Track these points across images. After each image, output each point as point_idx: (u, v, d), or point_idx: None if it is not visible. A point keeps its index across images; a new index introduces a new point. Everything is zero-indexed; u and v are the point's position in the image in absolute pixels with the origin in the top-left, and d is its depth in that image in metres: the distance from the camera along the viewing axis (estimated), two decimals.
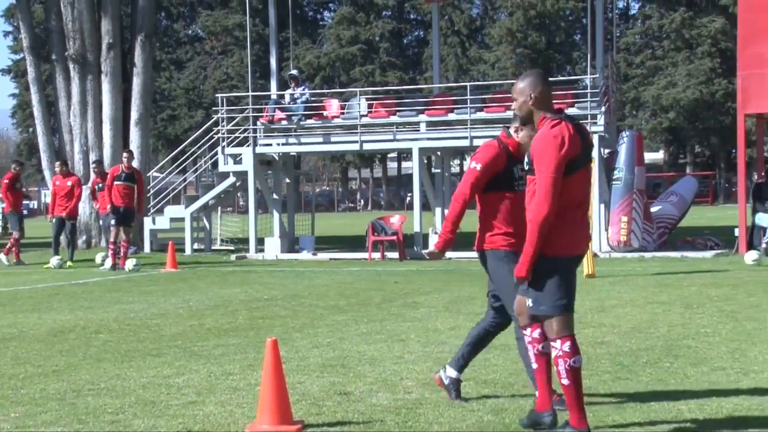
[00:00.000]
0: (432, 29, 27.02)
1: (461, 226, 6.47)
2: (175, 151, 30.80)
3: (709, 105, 63.21)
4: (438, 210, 22.52)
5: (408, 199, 60.70)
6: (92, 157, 24.25)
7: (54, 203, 20.93)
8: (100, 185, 20.54)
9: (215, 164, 23.90)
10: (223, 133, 23.21)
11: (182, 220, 23.47)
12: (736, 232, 19.59)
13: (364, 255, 20.93)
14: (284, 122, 23.28)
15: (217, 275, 17.62)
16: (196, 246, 23.58)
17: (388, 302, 12.50)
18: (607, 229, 20.07)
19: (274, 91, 24.79)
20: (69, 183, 20.73)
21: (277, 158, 23.52)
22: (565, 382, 5.50)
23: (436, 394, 6.69)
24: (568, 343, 5.51)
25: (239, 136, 23.81)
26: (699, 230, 25.15)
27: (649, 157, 59.27)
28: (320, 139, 23.46)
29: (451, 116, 22.44)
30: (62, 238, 21.37)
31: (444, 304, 12.10)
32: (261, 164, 23.19)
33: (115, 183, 19.37)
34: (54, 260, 20.04)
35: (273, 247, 22.34)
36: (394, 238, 20.90)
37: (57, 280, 17.09)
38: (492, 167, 6.23)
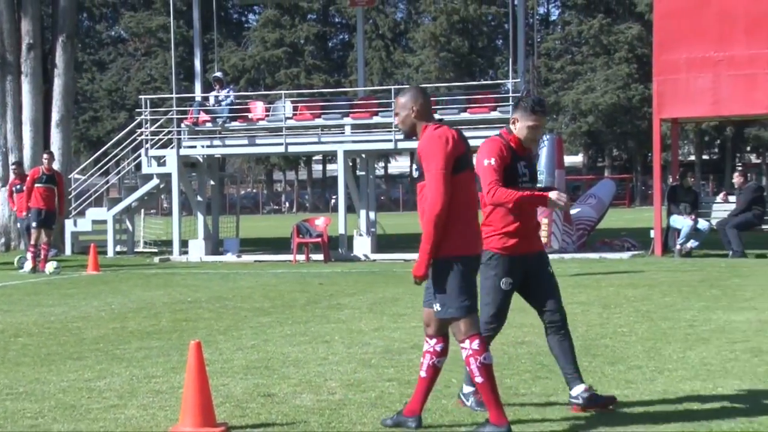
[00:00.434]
0: (357, 33, 27.06)
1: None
2: (98, 153, 30.39)
3: (627, 110, 64.43)
4: (362, 212, 22.55)
5: (333, 201, 60.73)
6: (12, 158, 23.85)
7: None
8: (18, 187, 20.19)
9: (138, 166, 23.66)
10: (147, 135, 23.00)
11: (104, 222, 23.24)
12: (652, 233, 20.01)
13: (289, 257, 20.91)
14: (209, 124, 23.15)
15: (140, 278, 17.44)
16: (118, 248, 23.33)
17: (313, 304, 12.52)
18: None
19: (198, 93, 24.65)
20: None
21: (201, 160, 23.39)
22: (479, 380, 5.62)
23: (360, 395, 6.75)
24: (476, 341, 5.64)
25: (163, 138, 23.60)
26: (616, 232, 25.53)
27: (569, 160, 60.04)
28: (245, 142, 23.38)
29: (376, 119, 22.51)
30: None
31: (368, 306, 12.15)
32: (185, 166, 23.02)
33: (36, 185, 19.07)
34: None
35: (197, 250, 22.21)
36: (319, 240, 20.93)
37: None
38: (502, 159, 6.05)
